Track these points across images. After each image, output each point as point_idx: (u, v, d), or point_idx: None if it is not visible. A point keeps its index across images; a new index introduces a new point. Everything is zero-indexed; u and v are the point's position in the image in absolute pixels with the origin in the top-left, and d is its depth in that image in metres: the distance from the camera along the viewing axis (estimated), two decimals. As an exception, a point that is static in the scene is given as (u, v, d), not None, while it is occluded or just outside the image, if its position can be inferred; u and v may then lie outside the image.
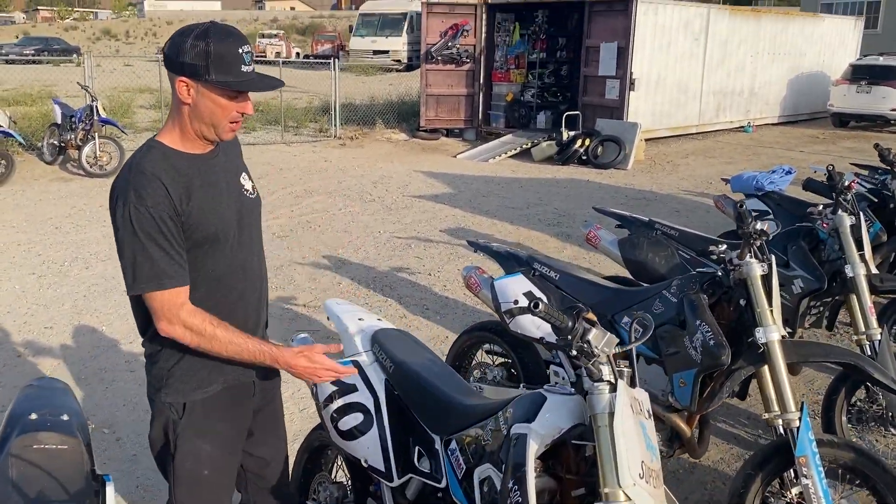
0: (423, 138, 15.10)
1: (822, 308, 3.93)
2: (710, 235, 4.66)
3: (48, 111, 12.47)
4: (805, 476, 2.65)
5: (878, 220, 4.77)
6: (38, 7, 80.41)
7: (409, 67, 27.38)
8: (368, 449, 2.41)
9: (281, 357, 2.05)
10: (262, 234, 2.30)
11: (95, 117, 10.73)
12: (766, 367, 2.89)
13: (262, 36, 41.68)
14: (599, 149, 12.75)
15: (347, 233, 8.01)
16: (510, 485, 1.78)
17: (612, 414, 1.73)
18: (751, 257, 2.92)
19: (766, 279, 2.89)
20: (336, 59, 15.63)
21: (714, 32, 15.37)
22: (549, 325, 3.41)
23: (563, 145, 12.89)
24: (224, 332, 2.00)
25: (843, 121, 17.79)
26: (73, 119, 10.91)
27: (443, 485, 2.17)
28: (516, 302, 3.49)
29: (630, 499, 1.67)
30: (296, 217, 8.68)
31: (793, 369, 3.65)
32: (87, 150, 10.72)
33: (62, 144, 11.04)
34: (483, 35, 15.04)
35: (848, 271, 3.67)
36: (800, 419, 2.73)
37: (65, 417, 2.09)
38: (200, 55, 1.90)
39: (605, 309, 3.35)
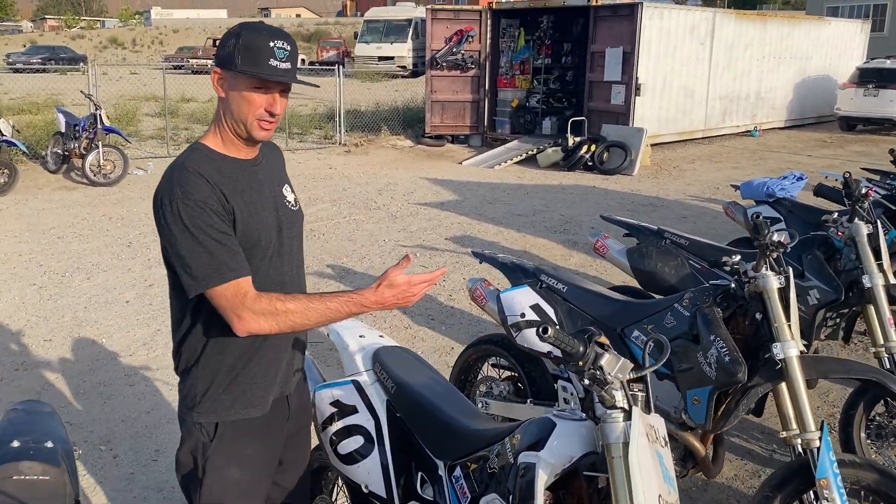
0: (428, 145, 15.01)
1: (838, 319, 3.81)
2: (721, 244, 4.55)
3: (53, 120, 12.44)
4: (826, 499, 2.53)
5: (893, 227, 4.64)
6: (46, 16, 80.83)
7: (415, 74, 27.34)
8: (369, 474, 2.31)
9: (365, 300, 1.88)
10: (303, 248, 2.21)
11: (99, 126, 10.68)
12: (783, 384, 2.78)
13: (268, 43, 41.61)
14: (605, 154, 12.64)
15: (352, 241, 7.91)
16: (518, 519, 1.68)
17: (626, 444, 1.62)
18: (767, 269, 2.81)
19: (783, 292, 2.78)
20: (341, 66, 15.57)
21: (720, 37, 15.26)
22: (556, 340, 3.32)
23: (569, 151, 12.79)
24: (296, 304, 1.88)
25: (850, 124, 17.65)
26: (76, 128, 10.87)
27: (447, 513, 2.06)
28: (523, 315, 3.39)
29: (647, 535, 1.57)
30: (299, 225, 8.57)
31: (808, 382, 3.53)
32: (90, 158, 10.67)
33: (66, 153, 10.99)
34: (488, 41, 14.96)
35: (866, 281, 3.55)
36: (820, 439, 2.61)
37: (49, 444, 1.99)
38: (231, 44, 1.89)
39: (614, 322, 3.24)
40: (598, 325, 3.26)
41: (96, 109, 10.81)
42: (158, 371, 4.82)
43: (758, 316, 2.83)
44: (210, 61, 32.14)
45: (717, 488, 3.59)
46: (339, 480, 2.76)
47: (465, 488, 2.00)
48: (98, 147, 10.70)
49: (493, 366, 3.77)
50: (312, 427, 2.39)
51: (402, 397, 2.32)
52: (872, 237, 3.62)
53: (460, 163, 13.55)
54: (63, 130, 11.08)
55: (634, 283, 4.73)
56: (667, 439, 1.75)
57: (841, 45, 18.97)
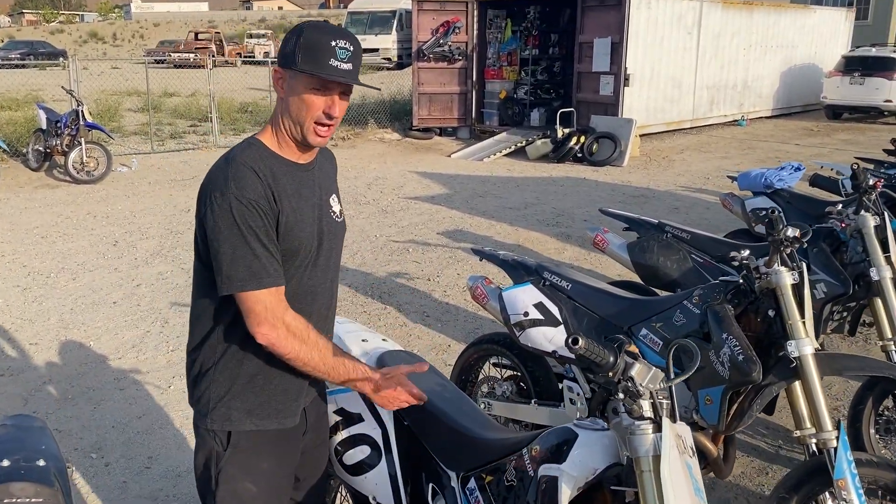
0: (416, 138, 14.89)
1: (844, 313, 3.75)
2: (724, 238, 4.48)
3: (33, 116, 12.20)
4: (844, 500, 2.47)
5: (893, 217, 4.59)
6: (24, 10, 79.61)
7: (400, 66, 27.14)
8: (377, 486, 2.22)
9: (374, 379, 1.96)
10: (339, 261, 2.15)
11: (81, 122, 10.48)
12: (797, 382, 2.71)
13: (250, 36, 41.38)
14: (595, 146, 12.57)
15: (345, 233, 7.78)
16: (542, 537, 1.59)
17: (657, 457, 1.54)
18: (779, 265, 2.74)
19: (797, 288, 2.71)
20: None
21: (707, 26, 15.21)
22: (561, 339, 3.24)
23: (559, 143, 12.71)
24: (324, 343, 1.88)
25: (836, 113, 17.69)
26: (58, 124, 10.65)
27: (461, 527, 1.98)
28: (526, 314, 3.30)
29: (681, 553, 1.49)
30: (288, 221, 8.45)
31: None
32: (73, 155, 10.47)
33: (48, 150, 10.78)
34: (475, 32, 14.83)
35: (873, 274, 3.49)
36: (837, 438, 2.54)
37: (41, 463, 1.88)
38: (292, 43, 1.84)
39: (621, 321, 3.16)
40: (605, 324, 3.18)
41: (78, 105, 10.61)
42: (149, 374, 4.70)
43: (770, 313, 2.75)
44: (192, 55, 31.79)
45: (725, 486, 3.53)
46: (343, 490, 2.67)
47: (480, 501, 1.91)
48: (80, 144, 10.50)
49: (495, 365, 3.69)
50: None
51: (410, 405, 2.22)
52: (879, 229, 3.56)
53: (449, 156, 13.44)
54: (44, 127, 10.86)
55: (633, 278, 4.66)
56: (694, 449, 1.67)
57: (826, 34, 19.00)
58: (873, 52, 17.40)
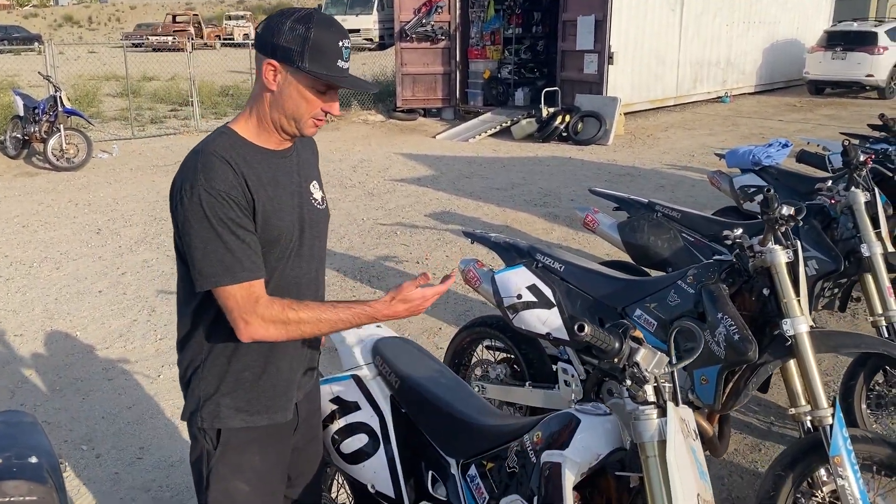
0: (400, 119, 14.78)
1: (835, 290, 3.76)
2: (714, 216, 4.48)
3: (9, 103, 11.97)
4: (841, 476, 2.48)
5: (883, 194, 4.60)
6: (-5, -6, 78.00)
7: (382, 46, 26.88)
8: (375, 474, 2.20)
9: (377, 313, 1.83)
10: (325, 250, 2.09)
11: (60, 108, 10.29)
12: (792, 360, 2.71)
13: (229, 18, 40.83)
14: (580, 125, 12.54)
15: (329, 221, 7.72)
16: (547, 524, 1.58)
17: (661, 442, 1.53)
18: (773, 243, 2.73)
19: (791, 266, 2.70)
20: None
21: (689, 2, 15.14)
22: (556, 321, 3.23)
23: (543, 122, 12.66)
24: (309, 313, 1.79)
25: (818, 88, 17.73)
26: (36, 111, 10.46)
27: (462, 514, 1.96)
28: (519, 296, 3.28)
29: (687, 538, 1.48)
30: (274, 206, 8.36)
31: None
32: (52, 142, 10.30)
33: (26, 137, 10.59)
34: (458, 11, 14.68)
35: (864, 250, 3.50)
36: (833, 416, 2.55)
37: (33, 460, 1.84)
38: (298, 39, 1.73)
39: (614, 302, 3.15)
40: (598, 305, 3.17)
41: (55, 91, 10.41)
42: (137, 364, 4.65)
43: (765, 291, 2.75)
44: (170, 38, 31.28)
45: (718, 464, 3.55)
46: (340, 477, 2.65)
47: (482, 488, 1.90)
48: (59, 130, 10.32)
49: (488, 348, 3.68)
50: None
51: (407, 392, 2.21)
52: (870, 205, 3.56)
53: (434, 136, 13.36)
54: (21, 114, 10.66)
55: (622, 257, 4.66)
56: (697, 432, 1.66)
57: (808, 9, 19.00)
58: (855, 26, 17.42)
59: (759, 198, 5.31)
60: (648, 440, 1.53)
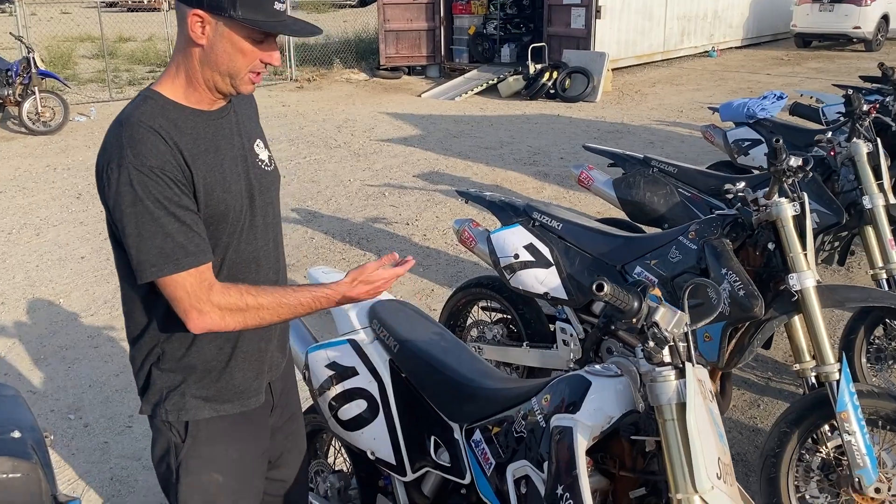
0: (384, 77, 14.50)
1: (835, 243, 3.71)
2: (713, 171, 4.39)
3: (-20, 66, 11.60)
4: (847, 432, 2.44)
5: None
6: (-38, -46, 75.64)
7: (363, 3, 26.30)
8: (375, 440, 2.13)
9: (339, 296, 1.70)
10: (280, 216, 1.90)
11: (34, 70, 9.97)
12: (798, 316, 2.66)
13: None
14: (567, 81, 12.35)
15: (315, 183, 7.59)
16: (559, 492, 1.51)
17: (680, 405, 1.45)
18: (778, 196, 2.65)
19: (797, 219, 2.63)
20: (287, -3, 14.80)
21: (678, -46, 14.88)
22: (554, 280, 3.15)
23: (531, 79, 12.46)
24: (268, 298, 1.64)
25: (805, 41, 17.56)
26: (9, 73, 10.13)
27: (466, 480, 1.90)
28: (516, 256, 3.21)
29: (708, 504, 1.41)
30: (258, 168, 8.19)
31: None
32: (27, 105, 10.00)
33: (0, 101, 10.29)
34: (441, -35, 14.34)
35: (866, 202, 3.43)
36: (840, 371, 2.50)
37: (16, 435, 1.75)
38: None
39: (614, 259, 3.07)
40: (597, 264, 3.09)
41: (29, 53, 10.08)
42: (123, 330, 4.53)
43: (770, 246, 2.68)
44: (146, -3, 30.48)
45: (717, 421, 3.52)
46: (337, 443, 2.59)
47: (487, 454, 1.83)
48: (34, 93, 10.02)
49: (484, 309, 3.60)
50: (299, 408, 2.17)
51: (406, 355, 2.13)
52: (872, 156, 3.48)
53: (419, 95, 13.13)
54: (-6, 77, 10.34)
55: (617, 215, 4.58)
56: (713, 392, 1.59)
57: (796, -40, 18.71)
58: (843, -22, 17.19)
59: (754, 151, 5.27)
60: (666, 403, 1.46)
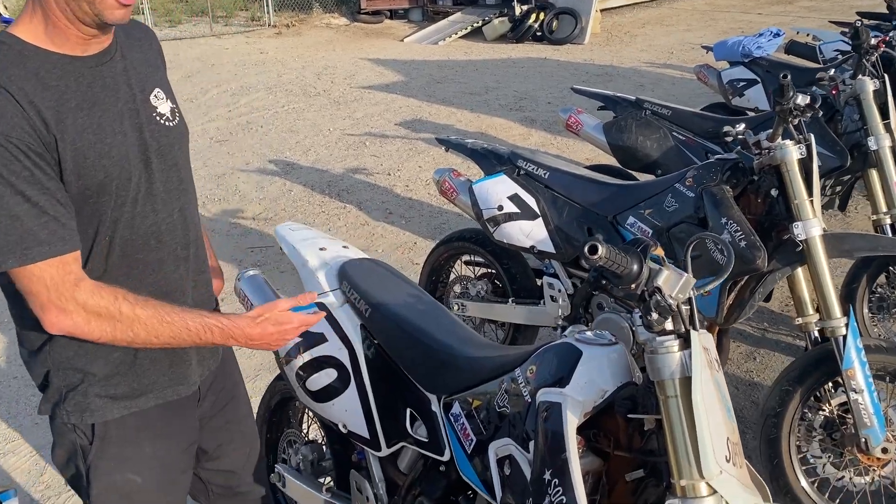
0: (365, 22, 14.02)
1: (837, 188, 3.51)
2: (709, 113, 4.17)
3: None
4: (854, 390, 2.29)
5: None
6: None
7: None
8: (347, 412, 1.95)
9: (238, 330, 1.45)
10: (190, 178, 1.60)
11: (-5, 19, 9.56)
12: (801, 268, 2.48)
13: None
14: (554, 23, 11.96)
15: (294, 132, 7.30)
16: (548, 478, 1.34)
17: (684, 379, 1.27)
18: (782, 138, 2.44)
19: (803, 163, 2.43)
20: (262, -61, 14.21)
21: None
22: (540, 232, 2.95)
23: (517, 21, 12.06)
24: (148, 311, 1.37)
25: (799, -21, 17.12)
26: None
27: (445, 458, 1.73)
28: (500, 207, 3.00)
29: (715, 491, 1.24)
30: (234, 118, 7.90)
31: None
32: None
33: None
34: None
35: (871, 143, 3.22)
36: (847, 326, 2.34)
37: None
38: None
39: (605, 209, 2.87)
40: (587, 214, 2.89)
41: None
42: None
43: (773, 192, 2.48)
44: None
45: (712, 375, 3.38)
46: (310, 411, 2.42)
47: (468, 429, 1.65)
48: None
49: (467, 263, 3.41)
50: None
51: (379, 321, 1.93)
52: (879, 94, 3.27)
53: (402, 40, 12.70)
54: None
55: (607, 161, 4.37)
56: (719, 360, 1.41)
57: None
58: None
59: (750, 92, 5.04)
60: (668, 377, 1.28)
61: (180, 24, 13.85)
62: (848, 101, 3.34)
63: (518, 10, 12.14)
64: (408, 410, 1.84)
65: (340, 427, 1.99)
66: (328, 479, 2.25)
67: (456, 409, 1.70)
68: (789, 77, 2.37)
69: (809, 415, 2.51)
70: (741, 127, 2.62)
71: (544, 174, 3.00)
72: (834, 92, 3.47)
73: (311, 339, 2.01)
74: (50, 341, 1.46)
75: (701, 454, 1.22)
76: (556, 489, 1.31)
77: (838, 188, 3.50)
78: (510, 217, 2.96)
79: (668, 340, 1.28)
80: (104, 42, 1.41)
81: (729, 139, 2.65)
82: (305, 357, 2.01)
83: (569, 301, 2.97)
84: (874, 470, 2.41)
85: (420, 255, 4.38)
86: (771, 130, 2.45)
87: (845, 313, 2.37)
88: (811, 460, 2.49)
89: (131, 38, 1.51)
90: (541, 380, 1.48)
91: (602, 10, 12.98)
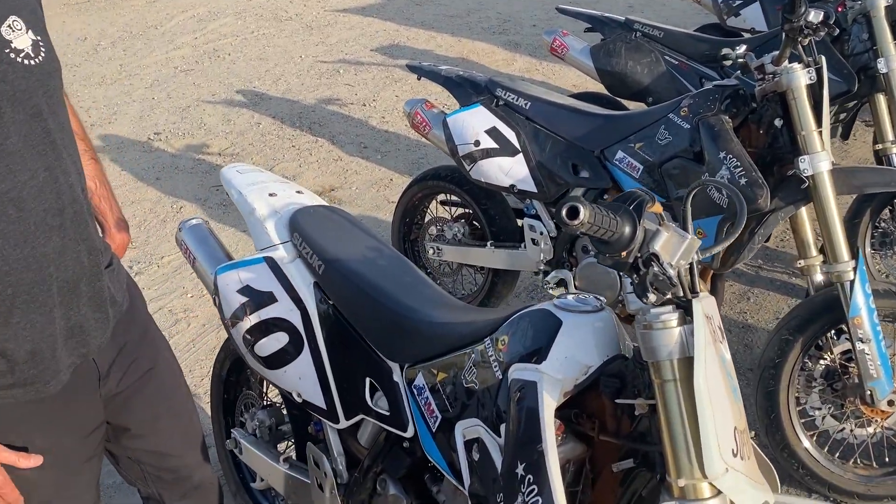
0: (340, -58, 13.31)
1: (841, 115, 3.26)
2: (703, 35, 3.86)
3: None
4: (861, 340, 2.11)
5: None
6: None
7: None
8: (300, 380, 1.74)
9: None
10: (64, 128, 1.30)
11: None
12: (807, 207, 2.26)
13: None
14: (540, -60, 11.37)
15: (263, 60, 6.90)
16: (521, 473, 1.13)
17: (684, 360, 1.05)
18: (790, 62, 2.18)
19: (811, 90, 2.17)
20: None
21: None
22: (521, 170, 2.70)
23: (500, -61, 11.44)
24: None
25: None
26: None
27: (409, 434, 1.53)
28: (477, 143, 2.74)
29: (720, 492, 1.04)
30: (200, 46, 7.46)
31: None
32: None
33: None
34: None
35: (881, 66, 2.94)
36: (855, 270, 2.13)
37: None
38: None
39: (591, 143, 2.61)
40: (572, 149, 2.64)
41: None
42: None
43: (777, 123, 2.24)
44: None
45: (704, 317, 3.20)
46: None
47: (432, 405, 1.45)
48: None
49: (443, 203, 3.17)
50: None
51: (334, 278, 1.70)
52: (891, 10, 2.98)
53: (379, -39, 12.07)
54: None
55: (595, 88, 4.08)
56: (723, 329, 1.20)
57: None
58: None
59: (746, 12, 4.70)
60: (665, 357, 1.06)
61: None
62: (856, 19, 3.06)
63: (501, -74, 11.50)
64: (367, 380, 1.63)
65: (294, 396, 1.78)
66: (288, 445, 2.06)
67: (419, 380, 1.49)
68: (798, -17, 2.09)
69: (809, 364, 2.33)
70: (742, 49, 2.36)
71: (525, 104, 2.73)
72: (840, 8, 3.18)
73: (258, 298, 1.78)
74: None
75: (704, 451, 1.01)
76: (531, 487, 1.11)
77: (842, 115, 3.25)
78: (488, 153, 2.70)
79: (664, 314, 1.06)
80: None
81: (728, 63, 2.38)
82: (253, 319, 1.78)
83: (551, 244, 2.75)
84: (877, 422, 2.26)
85: (396, 193, 4.11)
86: (776, 53, 2.19)
87: (853, 256, 2.16)
88: (810, 412, 2.33)
89: None
90: (514, 353, 1.26)
91: (590, -74, 12.37)
